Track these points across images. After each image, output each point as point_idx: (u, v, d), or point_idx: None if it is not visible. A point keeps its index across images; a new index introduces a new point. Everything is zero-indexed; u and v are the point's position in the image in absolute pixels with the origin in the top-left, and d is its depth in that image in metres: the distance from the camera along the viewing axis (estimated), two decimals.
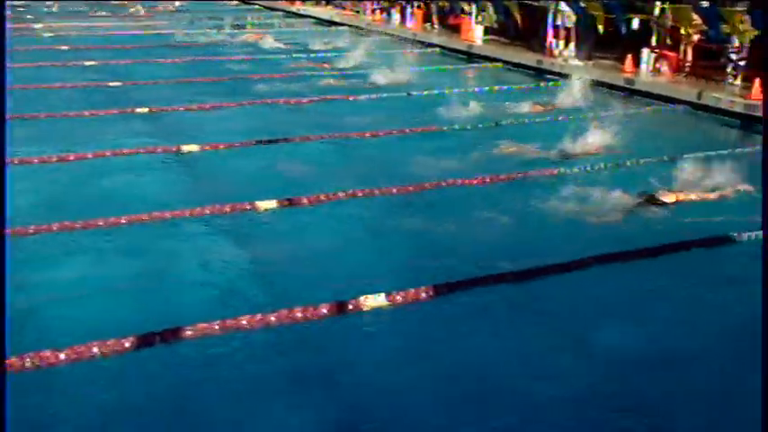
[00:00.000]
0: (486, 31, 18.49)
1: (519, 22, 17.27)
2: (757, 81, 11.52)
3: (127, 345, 4.51)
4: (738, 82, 12.56)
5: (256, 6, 31.06)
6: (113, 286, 5.67)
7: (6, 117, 6.93)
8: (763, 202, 6.65)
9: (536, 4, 17.04)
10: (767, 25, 10.39)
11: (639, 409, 4.31)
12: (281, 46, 19.10)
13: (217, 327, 4.73)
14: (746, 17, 12.07)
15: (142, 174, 8.31)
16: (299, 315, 4.88)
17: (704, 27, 13.13)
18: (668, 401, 4.38)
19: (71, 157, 8.53)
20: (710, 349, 4.97)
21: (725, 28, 12.40)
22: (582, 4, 15.03)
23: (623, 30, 14.39)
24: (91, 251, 6.21)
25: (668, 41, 13.91)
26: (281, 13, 28.28)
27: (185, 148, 9.05)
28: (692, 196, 7.60)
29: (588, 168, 8.45)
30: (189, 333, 4.65)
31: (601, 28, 14.71)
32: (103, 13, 27.01)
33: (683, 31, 13.41)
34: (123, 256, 6.18)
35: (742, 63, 12.67)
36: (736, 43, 12.57)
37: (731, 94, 11.96)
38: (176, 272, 5.96)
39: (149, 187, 7.92)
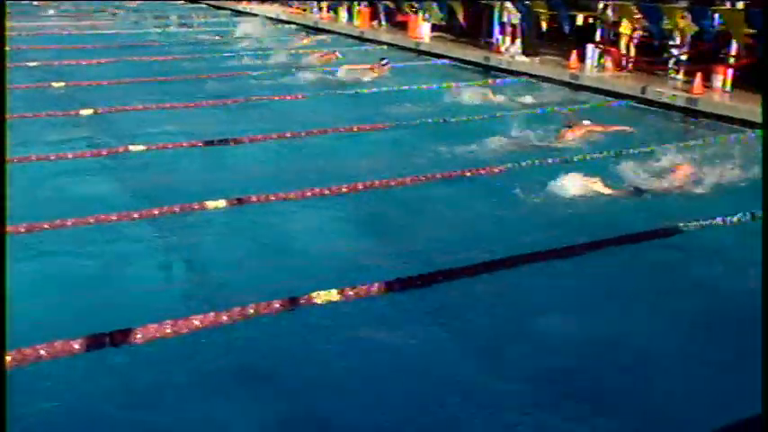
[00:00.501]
0: (434, 28, 18.58)
1: (462, 19, 17.35)
2: (699, 75, 11.77)
3: (76, 347, 4.44)
4: (681, 77, 12.84)
5: (203, 6, 30.76)
6: (62, 289, 5.59)
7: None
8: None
9: (482, 2, 17.16)
10: (766, 25, 10.59)
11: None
12: (227, 44, 18.95)
13: (168, 328, 4.68)
14: (687, 14, 12.30)
15: (88, 176, 8.19)
16: (251, 312, 4.86)
17: (646, 23, 13.36)
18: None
19: (14, 160, 8.34)
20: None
21: (666, 24, 12.63)
22: (526, 2, 15.18)
23: (567, 27, 14.57)
24: (37, 254, 6.10)
25: (612, 37, 14.13)
26: (228, 11, 28.05)
27: (132, 148, 8.93)
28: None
29: (537, 162, 8.54)
30: (139, 334, 4.60)
31: (544, 25, 14.87)
32: (51, 12, 26.56)
33: (623, 29, 13.62)
34: (71, 259, 6.08)
35: (684, 58, 12.96)
36: (678, 40, 12.84)
37: (674, 89, 12.21)
38: (126, 273, 5.89)
39: (96, 189, 7.80)
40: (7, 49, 16.62)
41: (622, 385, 4.54)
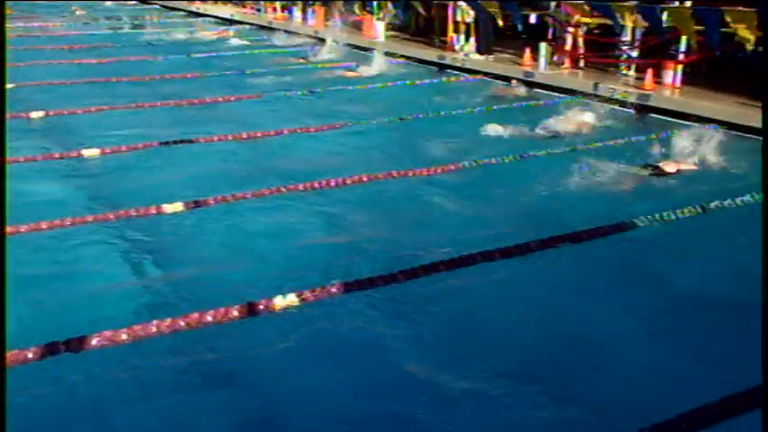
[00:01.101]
0: (389, 27, 18.63)
1: (419, 18, 17.42)
2: (650, 72, 11.96)
3: (30, 355, 4.37)
4: (632, 73, 13.03)
5: (156, 7, 30.45)
6: (15, 296, 5.48)
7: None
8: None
9: (435, 1, 17.24)
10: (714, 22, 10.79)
11: None
12: (179, 45, 18.79)
13: (124, 334, 4.63)
14: (636, 12, 12.48)
15: (41, 180, 8.05)
16: (210, 318, 4.83)
17: (599, 20, 13.54)
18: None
19: None
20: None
21: (619, 21, 12.80)
22: (480, 1, 15.28)
23: (520, 26, 14.69)
24: None
25: (564, 35, 14.28)
26: (180, 12, 27.81)
27: (86, 152, 8.81)
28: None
29: (493, 161, 8.61)
30: (95, 341, 4.55)
31: (500, 22, 14.99)
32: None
33: (574, 28, 13.79)
34: (25, 266, 5.97)
35: (634, 55, 13.16)
36: (628, 36, 13.04)
37: (625, 85, 12.38)
38: (81, 279, 5.81)
39: (49, 194, 7.68)
40: None
41: (581, 375, 4.60)
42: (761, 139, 9.49)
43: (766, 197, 6.86)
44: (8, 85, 12.51)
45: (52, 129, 10.31)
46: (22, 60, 15.67)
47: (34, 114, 10.71)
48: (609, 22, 13.17)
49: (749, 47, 10.49)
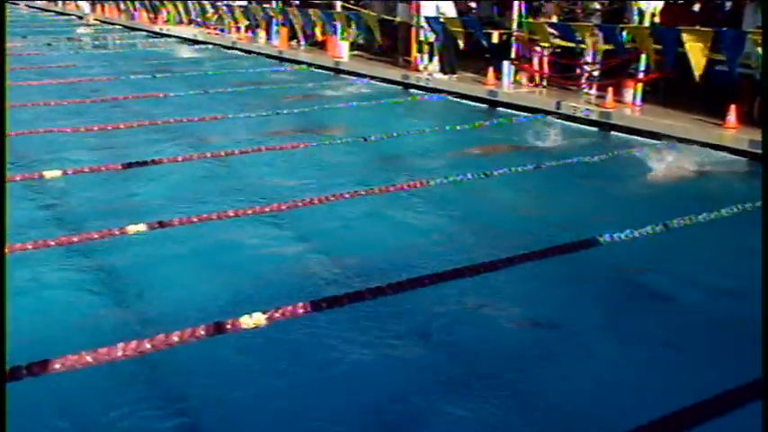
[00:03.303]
0: (352, 47, 18.70)
1: (379, 38, 17.51)
2: (610, 90, 12.15)
3: None
4: (594, 91, 13.21)
5: (117, 27, 30.27)
6: None
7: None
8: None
9: (397, 20, 17.35)
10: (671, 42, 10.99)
11: None
12: (143, 66, 18.69)
13: (89, 357, 4.55)
14: (597, 32, 12.68)
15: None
16: (176, 339, 4.77)
17: (560, 42, 13.72)
18: None
19: None
20: None
21: (578, 41, 12.98)
22: (441, 20, 15.42)
23: (485, 43, 14.84)
24: None
25: (527, 54, 14.46)
26: (143, 32, 27.67)
27: (47, 174, 8.69)
28: None
29: (459, 177, 8.65)
30: (58, 365, 4.46)
31: (461, 43, 15.11)
32: None
33: (539, 46, 13.97)
34: None
35: (596, 74, 13.35)
36: (590, 56, 13.22)
37: (587, 103, 12.55)
38: (43, 303, 5.73)
39: (10, 217, 7.56)
40: None
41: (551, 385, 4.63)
42: (722, 153, 9.69)
43: (766, 197, 6.95)
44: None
45: (13, 149, 10.17)
46: None
47: None
48: (570, 43, 13.36)
49: (697, 72, 10.68)
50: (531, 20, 14.29)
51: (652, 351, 5.16)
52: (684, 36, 10.80)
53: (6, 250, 6.30)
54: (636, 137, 11.13)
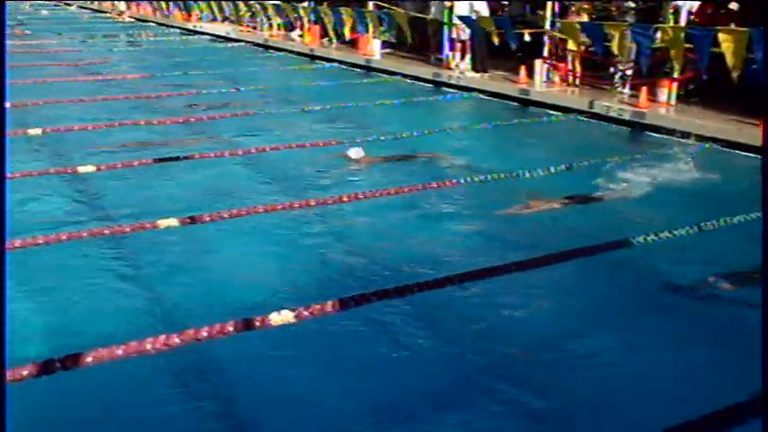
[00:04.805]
0: (384, 44, 18.68)
1: (409, 38, 17.49)
2: (644, 90, 12.02)
3: (24, 372, 4.34)
4: (627, 90, 13.07)
5: (152, 24, 30.53)
6: (11, 313, 5.46)
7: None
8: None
9: (429, 18, 17.31)
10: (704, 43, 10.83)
11: None
12: (176, 63, 18.84)
13: (120, 351, 4.60)
14: (628, 32, 12.47)
15: (37, 196, 8.04)
16: (205, 334, 4.80)
17: (589, 42, 13.58)
18: None
19: None
20: None
21: (609, 43, 12.75)
22: (474, 18, 15.35)
23: (513, 44, 14.70)
24: None
25: (559, 53, 14.35)
26: (177, 30, 27.89)
27: (81, 168, 8.80)
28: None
29: (489, 178, 8.61)
30: (90, 359, 4.51)
31: (496, 40, 15.02)
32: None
33: (570, 46, 13.82)
34: (18, 283, 5.96)
35: (629, 72, 13.19)
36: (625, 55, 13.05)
37: (620, 103, 12.43)
38: (76, 296, 5.79)
39: (45, 209, 7.67)
40: None
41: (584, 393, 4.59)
42: (757, 156, 9.54)
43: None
44: (5, 104, 12.47)
45: (49, 145, 10.32)
46: (21, 77, 15.69)
47: (32, 131, 10.69)
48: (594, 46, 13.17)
49: (734, 72, 10.51)
50: (562, 19, 14.17)
51: (688, 351, 5.09)
52: (720, 36, 10.64)
53: (41, 241, 6.41)
54: (669, 137, 11.00)
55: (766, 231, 5.01)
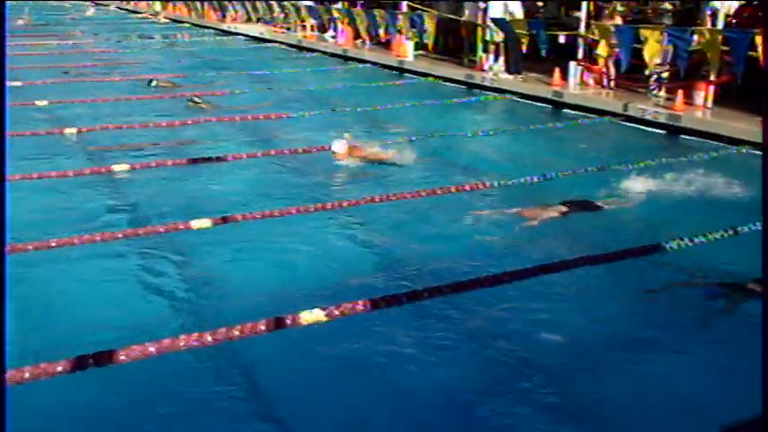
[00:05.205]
0: (417, 46, 18.64)
1: (430, 46, 17.47)
2: (680, 93, 11.88)
3: (59, 369, 4.40)
4: (662, 93, 12.92)
5: (186, 25, 30.79)
6: (45, 310, 5.55)
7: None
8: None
9: (463, 20, 17.27)
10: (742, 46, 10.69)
11: None
12: (210, 63, 18.97)
13: (153, 348, 4.64)
14: (664, 35, 12.30)
15: (72, 195, 8.15)
16: (237, 333, 4.83)
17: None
18: None
19: None
20: None
21: (646, 49, 12.56)
22: (508, 19, 15.27)
23: (544, 50, 14.57)
24: (20, 275, 6.05)
25: (594, 55, 14.22)
26: (211, 30, 28.10)
27: (116, 168, 8.89)
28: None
29: (521, 180, 8.57)
30: (123, 356, 4.56)
31: (524, 47, 14.90)
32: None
33: (600, 50, 13.65)
34: (54, 280, 6.05)
35: (665, 75, 13.04)
36: (656, 60, 12.88)
37: (656, 106, 12.30)
38: (110, 294, 5.86)
39: (80, 209, 7.77)
40: None
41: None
42: None
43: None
44: (42, 102, 12.68)
45: (84, 144, 10.45)
46: (59, 77, 15.93)
47: (68, 131, 10.84)
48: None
49: None
50: (596, 21, 14.04)
51: (720, 357, 5.03)
52: (759, 38, 10.47)
53: (76, 241, 6.48)
54: (705, 140, 10.87)
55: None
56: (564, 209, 7.58)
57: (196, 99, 13.07)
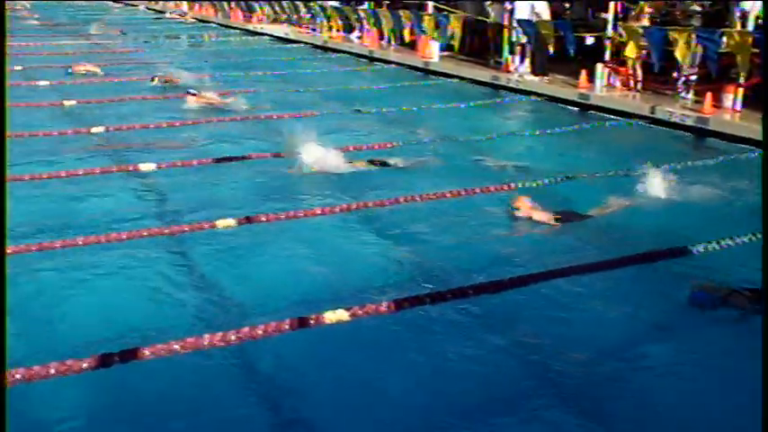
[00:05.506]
0: (443, 47, 18.61)
1: (456, 46, 17.45)
2: (709, 95, 11.75)
3: (84, 365, 4.43)
4: (690, 96, 12.79)
5: (213, 25, 30.95)
6: (71, 307, 5.60)
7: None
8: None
9: (489, 20, 17.22)
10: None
11: None
12: (236, 63, 19.05)
13: (177, 346, 4.67)
14: (694, 35, 12.18)
15: (99, 193, 8.21)
16: (261, 332, 4.84)
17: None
18: None
19: (25, 177, 8.38)
20: None
21: (677, 51, 12.44)
22: (534, 20, 15.20)
23: (571, 50, 14.50)
24: (47, 272, 6.12)
25: (621, 57, 14.11)
26: (237, 30, 28.21)
27: (142, 166, 8.96)
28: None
29: (546, 182, 8.52)
30: (148, 353, 4.59)
31: (551, 49, 14.84)
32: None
33: (627, 53, 13.54)
34: (80, 277, 6.09)
35: (694, 78, 12.91)
36: (687, 62, 12.76)
37: (684, 108, 12.18)
38: (135, 292, 5.89)
39: (106, 207, 7.82)
40: (19, 68, 16.73)
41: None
42: None
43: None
44: (70, 102, 12.79)
45: (111, 143, 10.52)
46: (87, 76, 16.07)
47: (95, 129, 10.92)
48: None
49: None
50: (624, 23, 13.93)
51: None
52: None
53: (103, 239, 6.53)
54: (734, 143, 10.75)
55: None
56: (589, 211, 7.53)
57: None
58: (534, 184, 8.37)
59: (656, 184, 8.17)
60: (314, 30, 24.96)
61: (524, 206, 7.32)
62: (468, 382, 4.72)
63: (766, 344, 3.67)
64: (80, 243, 6.50)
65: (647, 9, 14.32)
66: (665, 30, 12.68)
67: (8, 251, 6.21)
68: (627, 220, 7.51)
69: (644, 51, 13.43)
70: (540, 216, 7.28)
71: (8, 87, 14.35)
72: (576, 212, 7.55)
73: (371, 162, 9.31)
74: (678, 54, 12.20)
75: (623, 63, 14.02)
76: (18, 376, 4.28)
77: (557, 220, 7.28)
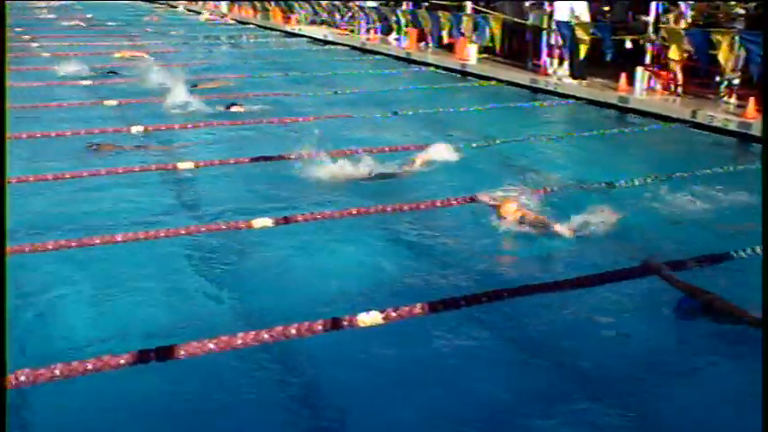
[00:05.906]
0: (481, 49, 18.53)
1: (497, 48, 17.38)
2: (752, 100, 11.56)
3: (121, 362, 4.48)
4: (733, 100, 12.59)
5: (251, 26, 31.17)
6: (109, 304, 5.66)
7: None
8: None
9: (528, 23, 17.12)
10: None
11: None
12: (275, 65, 19.15)
13: (211, 345, 4.70)
14: (737, 40, 11.99)
15: (139, 192, 8.30)
16: (294, 332, 4.86)
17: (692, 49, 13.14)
18: None
19: (67, 176, 8.51)
20: None
21: (720, 54, 12.26)
22: (573, 23, 15.06)
23: (609, 55, 14.34)
24: (85, 269, 6.19)
25: (661, 60, 13.93)
26: (276, 32, 28.38)
27: (181, 165, 9.04)
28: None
29: (579, 187, 8.44)
30: (183, 351, 4.63)
31: (582, 52, 14.68)
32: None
33: (671, 54, 13.36)
34: (119, 274, 6.16)
35: (736, 82, 12.71)
36: (730, 65, 12.56)
37: (726, 113, 12.00)
38: (171, 290, 5.94)
39: (144, 205, 7.90)
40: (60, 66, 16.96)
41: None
42: None
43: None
44: (111, 102, 12.96)
45: (151, 142, 10.64)
46: (123, 78, 16.28)
47: (134, 129, 11.05)
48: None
49: None
50: (665, 25, 13.75)
51: None
52: None
53: (142, 236, 6.61)
54: None
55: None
56: (628, 215, 7.44)
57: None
58: (573, 188, 8.30)
59: (696, 189, 8.06)
60: (352, 31, 25.03)
61: (510, 211, 7.17)
62: (498, 385, 4.70)
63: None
64: (119, 240, 6.58)
65: (691, 12, 14.07)
66: (709, 32, 12.50)
67: (48, 246, 6.32)
68: (666, 223, 7.42)
69: (685, 54, 13.26)
70: (534, 221, 7.15)
71: (52, 85, 14.67)
72: (617, 213, 7.43)
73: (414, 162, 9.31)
74: (721, 57, 12.02)
75: (664, 66, 13.84)
76: (57, 372, 4.34)
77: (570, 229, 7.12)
